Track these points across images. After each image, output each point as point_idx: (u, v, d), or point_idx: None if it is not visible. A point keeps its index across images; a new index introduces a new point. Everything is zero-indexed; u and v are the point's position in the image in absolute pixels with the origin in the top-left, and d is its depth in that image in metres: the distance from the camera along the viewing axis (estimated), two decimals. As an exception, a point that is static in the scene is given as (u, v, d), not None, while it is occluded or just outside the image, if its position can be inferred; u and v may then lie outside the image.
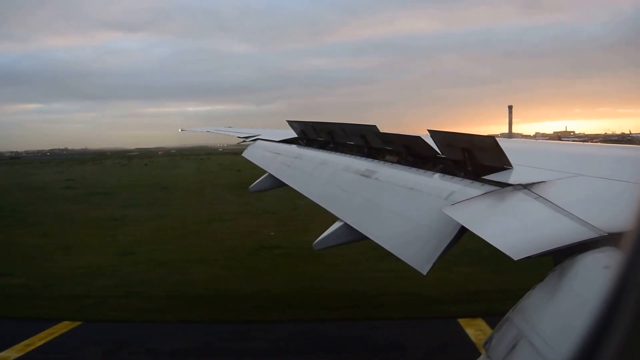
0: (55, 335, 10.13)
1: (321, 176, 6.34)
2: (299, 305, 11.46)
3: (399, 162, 4.96)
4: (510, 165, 3.35)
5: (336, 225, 4.65)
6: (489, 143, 3.53)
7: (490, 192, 3.13)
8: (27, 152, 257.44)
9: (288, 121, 8.95)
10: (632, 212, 1.29)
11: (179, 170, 63.73)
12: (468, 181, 3.53)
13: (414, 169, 4.53)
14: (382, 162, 5.29)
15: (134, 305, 11.81)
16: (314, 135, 8.05)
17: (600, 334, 1.05)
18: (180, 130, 21.02)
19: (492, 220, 2.94)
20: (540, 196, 2.67)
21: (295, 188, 6.73)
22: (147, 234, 20.35)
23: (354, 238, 4.45)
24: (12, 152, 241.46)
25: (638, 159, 3.58)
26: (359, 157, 5.92)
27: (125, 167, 77.30)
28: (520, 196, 2.81)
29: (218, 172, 54.84)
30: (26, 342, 9.72)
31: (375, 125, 5.54)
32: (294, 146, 8.71)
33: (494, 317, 9.41)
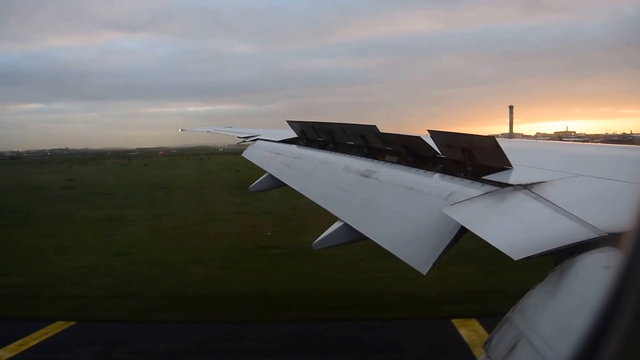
0: (49, 335, 10.16)
1: (321, 176, 6.34)
2: (294, 306, 11.47)
3: (398, 162, 4.96)
4: (510, 165, 3.35)
5: (336, 225, 4.64)
6: (489, 143, 3.53)
7: (490, 192, 3.13)
8: (28, 152, 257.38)
9: (288, 121, 8.95)
10: (632, 212, 1.30)
11: (179, 170, 63.70)
12: (468, 181, 3.53)
13: (413, 169, 4.52)
14: (382, 162, 5.29)
15: (128, 306, 11.83)
16: (313, 135, 8.05)
17: (600, 334, 1.05)
18: (180, 130, 21.02)
19: (492, 221, 2.94)
20: (540, 196, 2.67)
21: (295, 188, 6.73)
22: (145, 234, 20.37)
23: (353, 238, 4.45)
24: (14, 152, 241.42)
25: (638, 159, 3.58)
26: (358, 157, 5.92)
27: (125, 167, 77.24)
28: (520, 196, 2.81)
29: (217, 172, 54.81)
30: (20, 341, 9.75)
31: (375, 126, 5.54)
32: (293, 146, 8.71)
33: (488, 318, 9.44)
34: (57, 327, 10.52)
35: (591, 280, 1.77)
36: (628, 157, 3.62)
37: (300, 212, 21.39)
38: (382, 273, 12.91)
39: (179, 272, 14.44)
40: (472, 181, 3.49)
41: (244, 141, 12.36)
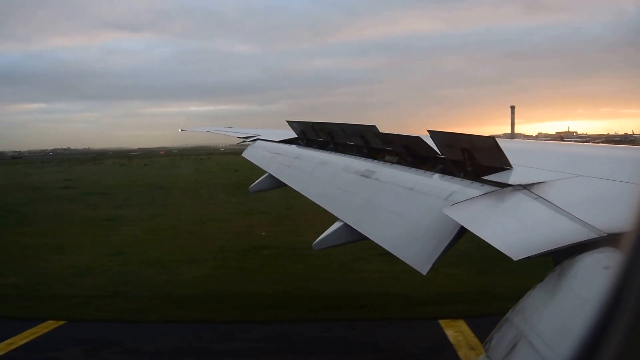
0: (38, 334, 10.18)
1: (321, 176, 6.34)
2: (283, 306, 11.46)
3: (398, 163, 4.96)
4: (510, 165, 3.35)
5: (336, 225, 4.65)
6: (489, 143, 3.53)
7: (490, 192, 3.13)
8: (29, 152, 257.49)
9: (288, 121, 8.95)
10: (632, 213, 1.30)
11: (178, 170, 63.71)
12: (468, 181, 3.53)
13: (413, 170, 4.52)
14: (382, 162, 5.29)
15: (119, 306, 11.85)
16: (313, 135, 8.05)
17: (600, 334, 1.05)
18: (180, 130, 21.03)
19: (492, 221, 2.94)
20: (540, 196, 2.67)
21: (295, 188, 6.73)
22: (140, 234, 20.38)
23: (353, 238, 4.45)
24: (15, 151, 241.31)
25: (638, 159, 3.58)
26: (358, 157, 5.92)
27: (124, 167, 77.24)
28: (520, 196, 2.81)
29: (216, 172, 54.82)
30: (9, 341, 9.79)
31: (375, 126, 5.53)
32: (293, 146, 8.71)
33: (476, 319, 9.43)
34: (46, 327, 10.55)
35: (591, 281, 1.77)
36: (628, 157, 3.61)
37: (296, 212, 21.45)
38: (373, 274, 13.00)
39: (172, 272, 14.48)
40: (472, 181, 3.49)
41: (244, 141, 12.37)
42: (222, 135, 16.73)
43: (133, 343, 9.95)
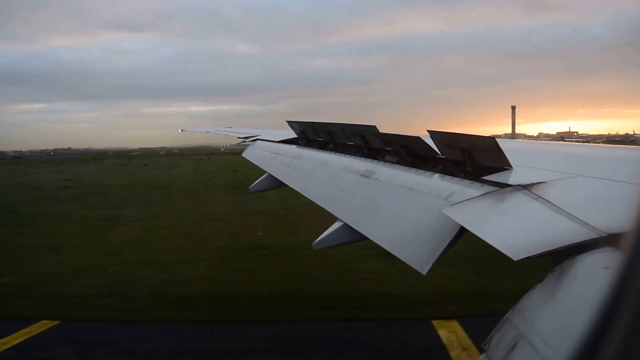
0: (32, 334, 10.22)
1: (321, 176, 6.34)
2: (278, 306, 11.48)
3: (398, 163, 4.96)
4: (510, 165, 3.35)
5: (336, 225, 4.64)
6: (489, 143, 3.53)
7: (490, 192, 3.13)
8: (30, 152, 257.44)
9: (288, 121, 8.95)
10: (631, 213, 1.30)
11: (177, 170, 63.73)
12: (468, 182, 3.53)
13: (413, 170, 4.52)
14: (382, 162, 5.29)
15: (113, 306, 11.88)
16: (313, 135, 8.05)
17: (600, 334, 1.05)
18: (180, 130, 21.04)
19: (492, 221, 2.94)
20: (540, 197, 2.67)
21: (294, 188, 6.73)
22: (138, 234, 20.40)
23: (353, 238, 4.45)
24: (16, 151, 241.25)
25: (638, 159, 3.58)
26: (358, 157, 5.92)
27: (124, 167, 77.27)
28: (520, 197, 2.81)
29: (215, 172, 54.84)
30: (3, 340, 9.84)
31: (374, 126, 5.53)
32: (293, 146, 8.72)
33: (469, 319, 9.44)
34: (40, 327, 10.58)
35: (591, 281, 1.77)
36: (628, 157, 3.61)
37: (293, 212, 21.51)
38: (369, 274, 13.03)
39: (167, 272, 14.51)
40: (471, 181, 3.49)
41: (243, 141, 12.37)
42: (223, 136, 16.75)
43: (127, 343, 9.98)
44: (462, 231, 2.94)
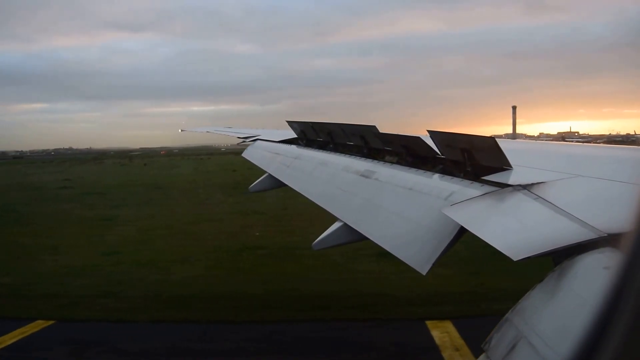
0: (27, 334, 10.22)
1: (321, 176, 6.34)
2: (273, 307, 11.48)
3: (398, 163, 4.96)
4: (510, 165, 3.35)
5: (336, 225, 4.64)
6: (489, 143, 3.53)
7: (490, 192, 3.13)
8: (31, 152, 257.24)
9: (288, 121, 8.95)
10: (631, 213, 1.30)
11: (177, 170, 63.67)
12: (467, 182, 3.53)
13: (413, 170, 4.52)
14: (382, 162, 5.29)
15: (108, 305, 11.87)
16: (313, 135, 8.05)
17: (599, 334, 1.05)
18: (180, 130, 21.02)
19: (492, 221, 2.94)
20: (540, 197, 2.67)
21: (294, 188, 6.73)
22: (135, 233, 20.39)
23: (353, 238, 4.45)
24: (17, 151, 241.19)
25: (638, 159, 3.58)
26: (358, 157, 5.92)
27: (124, 167, 77.26)
28: (519, 197, 2.80)
29: (215, 172, 54.81)
30: None
31: (374, 126, 5.53)
32: (293, 146, 8.72)
33: (463, 320, 9.45)
34: (35, 326, 10.58)
35: (591, 281, 1.77)
36: (628, 157, 3.61)
37: (291, 212, 21.54)
38: (364, 274, 13.06)
39: (163, 272, 14.51)
40: (471, 181, 3.49)
41: (243, 141, 12.38)
42: (223, 135, 16.75)
43: (122, 343, 9.99)
44: (462, 231, 2.94)
